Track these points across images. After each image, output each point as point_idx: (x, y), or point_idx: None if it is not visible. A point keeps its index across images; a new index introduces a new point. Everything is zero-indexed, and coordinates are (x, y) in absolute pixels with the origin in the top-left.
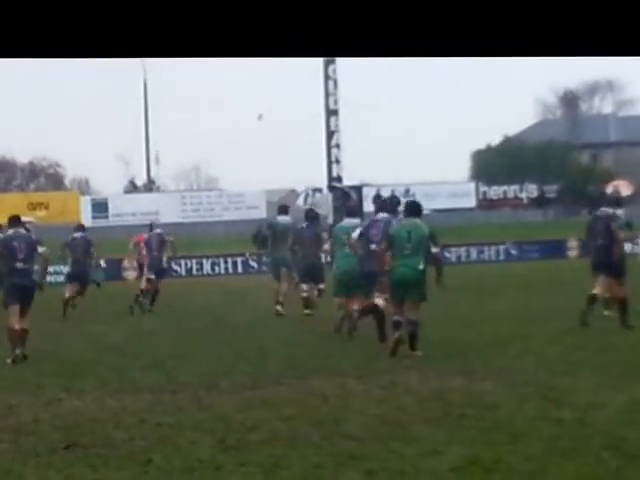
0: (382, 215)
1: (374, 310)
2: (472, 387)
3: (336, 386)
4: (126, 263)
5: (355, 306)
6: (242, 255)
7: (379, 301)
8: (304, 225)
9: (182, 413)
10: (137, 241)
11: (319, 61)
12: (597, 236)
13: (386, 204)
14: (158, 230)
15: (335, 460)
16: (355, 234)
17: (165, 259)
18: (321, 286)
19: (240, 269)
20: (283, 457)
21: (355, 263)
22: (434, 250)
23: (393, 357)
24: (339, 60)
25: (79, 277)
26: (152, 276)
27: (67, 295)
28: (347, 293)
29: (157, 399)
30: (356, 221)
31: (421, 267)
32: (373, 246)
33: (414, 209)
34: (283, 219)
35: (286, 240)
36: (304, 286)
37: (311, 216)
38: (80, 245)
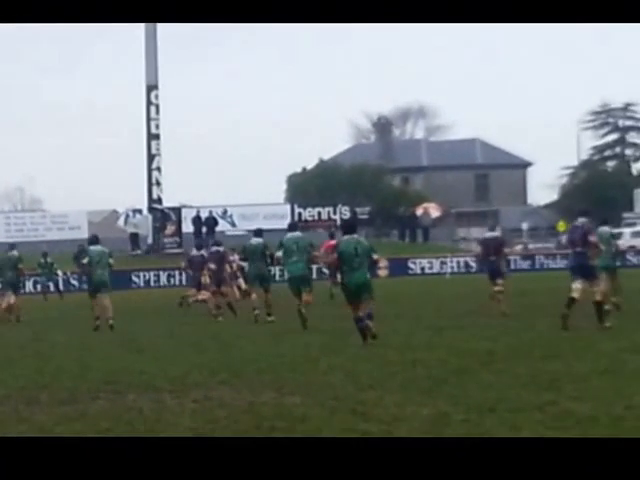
0: (581, 220)
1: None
2: (282, 401)
3: (151, 400)
4: None
5: (301, 300)
6: (64, 274)
7: (599, 292)
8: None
9: (1, 426)
10: None
11: (142, 87)
12: None
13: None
14: None
15: None
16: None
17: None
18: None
19: (62, 287)
20: None
21: (302, 268)
22: (375, 257)
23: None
24: (161, 86)
25: None
26: None
27: None
28: (297, 291)
29: None
30: (298, 233)
31: (367, 276)
32: (578, 249)
33: (352, 227)
34: (256, 240)
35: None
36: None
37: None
38: None
